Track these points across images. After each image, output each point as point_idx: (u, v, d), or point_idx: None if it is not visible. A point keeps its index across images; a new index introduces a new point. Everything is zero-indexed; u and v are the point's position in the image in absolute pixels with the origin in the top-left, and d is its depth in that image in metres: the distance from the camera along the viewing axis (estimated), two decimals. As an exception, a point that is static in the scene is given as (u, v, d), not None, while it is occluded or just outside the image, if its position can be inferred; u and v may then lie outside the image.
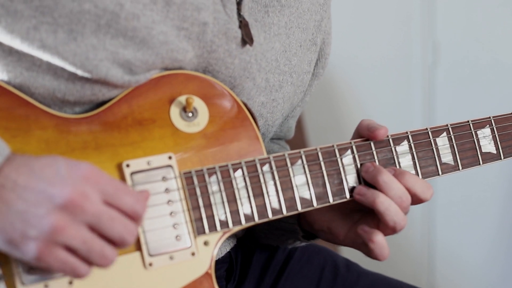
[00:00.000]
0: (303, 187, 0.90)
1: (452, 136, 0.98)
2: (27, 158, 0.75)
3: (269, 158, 0.89)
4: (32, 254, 0.73)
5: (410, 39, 2.26)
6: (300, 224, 1.02)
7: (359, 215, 0.96)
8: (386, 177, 0.90)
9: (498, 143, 1.01)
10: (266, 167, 0.88)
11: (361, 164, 0.93)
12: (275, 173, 0.89)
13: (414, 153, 0.96)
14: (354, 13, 2.24)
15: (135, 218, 0.77)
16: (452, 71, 2.22)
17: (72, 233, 0.73)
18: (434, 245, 2.31)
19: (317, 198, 0.90)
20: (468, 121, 1.00)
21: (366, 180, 0.92)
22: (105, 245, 0.75)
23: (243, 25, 0.92)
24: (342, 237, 0.96)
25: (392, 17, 2.27)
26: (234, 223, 0.86)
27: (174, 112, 0.87)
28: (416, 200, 0.93)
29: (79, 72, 0.82)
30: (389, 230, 0.91)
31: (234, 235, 1.07)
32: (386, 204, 0.90)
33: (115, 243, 0.76)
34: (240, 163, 0.87)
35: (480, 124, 1.01)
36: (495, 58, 2.14)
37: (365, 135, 0.94)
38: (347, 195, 0.92)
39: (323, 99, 2.31)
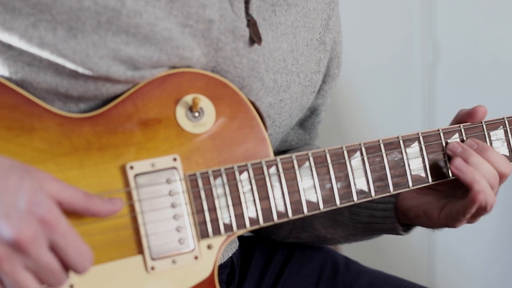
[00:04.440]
0: (310, 190, 0.88)
1: (465, 138, 0.96)
2: None
3: (276, 160, 0.87)
4: None
5: (410, 39, 2.25)
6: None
7: (449, 193, 0.98)
8: (475, 158, 0.92)
9: (511, 145, 1.00)
10: (272, 169, 0.87)
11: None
12: (282, 175, 0.87)
13: (425, 155, 0.94)
14: (354, 13, 2.22)
15: (75, 271, 0.75)
16: (452, 72, 2.21)
17: (6, 269, 0.71)
18: (434, 245, 2.30)
19: (324, 202, 0.89)
20: (481, 122, 0.98)
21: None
22: None
23: (251, 24, 0.91)
24: (436, 218, 0.97)
25: (392, 17, 2.26)
26: (238, 227, 0.85)
27: (180, 112, 0.85)
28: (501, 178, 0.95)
29: (80, 70, 0.81)
30: (481, 210, 0.93)
31: (236, 240, 1.05)
32: (482, 185, 0.91)
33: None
34: (246, 165, 0.86)
35: (493, 125, 0.99)
36: (495, 59, 2.13)
37: (464, 119, 0.97)
38: (355, 198, 0.90)
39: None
